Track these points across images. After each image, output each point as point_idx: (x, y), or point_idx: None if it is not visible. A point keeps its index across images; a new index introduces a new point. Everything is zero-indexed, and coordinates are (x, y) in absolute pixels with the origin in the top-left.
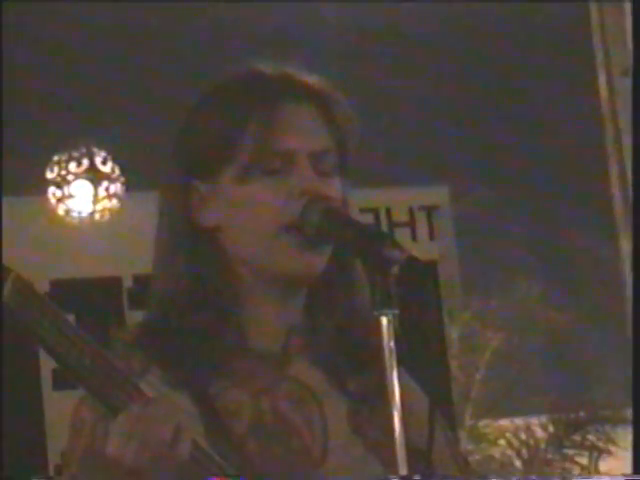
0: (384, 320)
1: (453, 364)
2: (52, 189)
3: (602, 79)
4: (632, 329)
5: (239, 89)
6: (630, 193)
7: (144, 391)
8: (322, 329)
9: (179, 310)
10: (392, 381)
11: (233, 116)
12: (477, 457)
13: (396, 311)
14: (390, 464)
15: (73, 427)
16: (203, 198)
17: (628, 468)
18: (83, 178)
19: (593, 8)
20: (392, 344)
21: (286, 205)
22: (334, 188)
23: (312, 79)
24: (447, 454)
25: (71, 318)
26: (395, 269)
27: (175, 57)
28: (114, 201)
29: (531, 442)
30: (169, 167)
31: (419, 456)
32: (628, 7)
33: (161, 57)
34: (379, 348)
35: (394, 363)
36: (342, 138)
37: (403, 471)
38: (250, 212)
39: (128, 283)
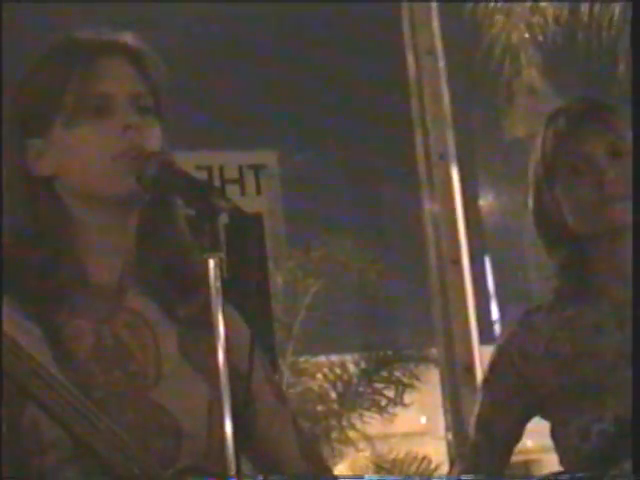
0: (211, 262)
1: (277, 307)
2: None
3: (410, 58)
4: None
5: (60, 53)
6: (433, 153)
7: None
8: (152, 264)
9: (20, 248)
10: (218, 317)
11: (56, 75)
12: (298, 389)
13: (222, 255)
14: (215, 386)
15: None
16: (40, 153)
17: (428, 400)
18: None
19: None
20: (218, 284)
21: (111, 138)
22: (154, 129)
23: (123, 37)
24: (264, 381)
25: None
26: (223, 217)
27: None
28: None
29: (345, 376)
30: (7, 128)
31: (240, 380)
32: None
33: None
34: (206, 287)
35: (220, 301)
36: (154, 84)
37: (226, 393)
38: (81, 151)
39: None
